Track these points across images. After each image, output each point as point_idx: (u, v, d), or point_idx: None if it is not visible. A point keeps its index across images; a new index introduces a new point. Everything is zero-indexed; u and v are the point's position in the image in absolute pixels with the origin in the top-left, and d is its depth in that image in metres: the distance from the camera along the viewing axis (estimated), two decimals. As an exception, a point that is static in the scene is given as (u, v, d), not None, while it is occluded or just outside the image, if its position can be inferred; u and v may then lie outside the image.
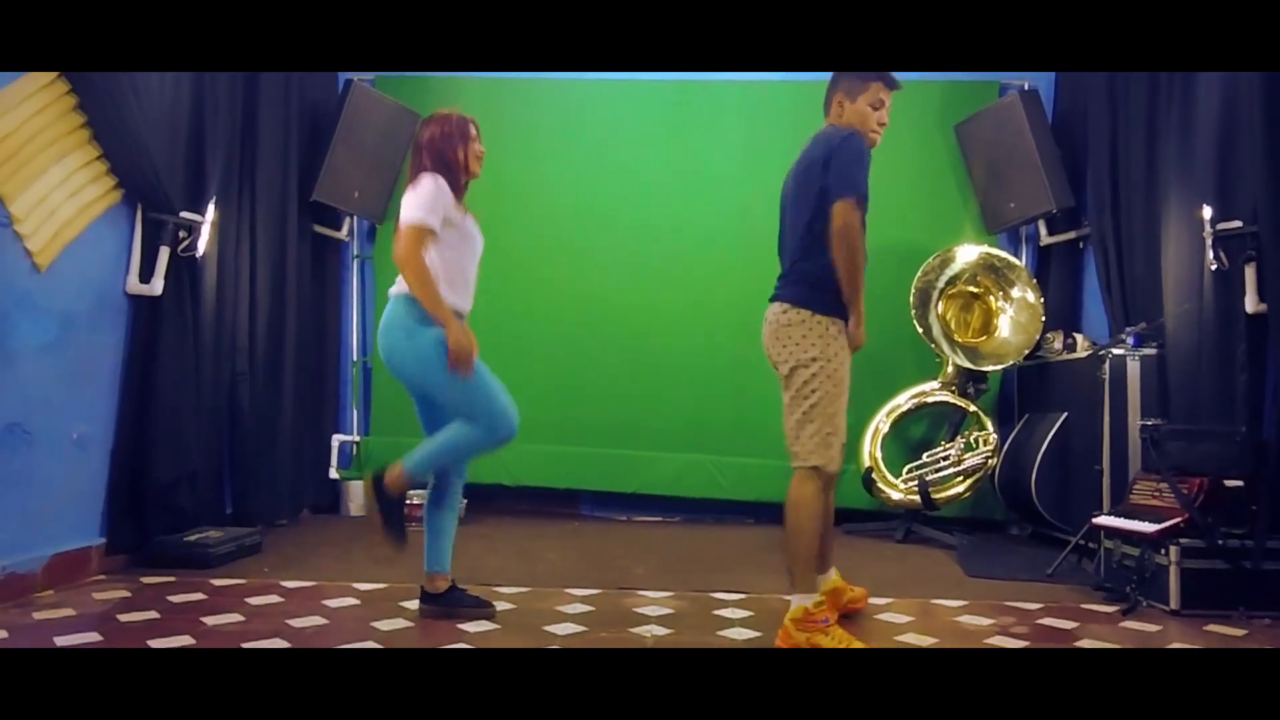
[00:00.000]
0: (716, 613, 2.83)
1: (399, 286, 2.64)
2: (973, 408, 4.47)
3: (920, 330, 4.41)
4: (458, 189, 2.69)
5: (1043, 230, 4.65)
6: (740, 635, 2.58)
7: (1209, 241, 3.28)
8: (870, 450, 4.49)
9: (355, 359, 5.06)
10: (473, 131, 2.73)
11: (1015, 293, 4.48)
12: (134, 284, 3.29)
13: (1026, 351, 4.39)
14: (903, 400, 4.56)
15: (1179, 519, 2.95)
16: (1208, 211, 3.29)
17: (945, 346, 4.41)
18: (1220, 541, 2.89)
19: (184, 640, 2.39)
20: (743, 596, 3.06)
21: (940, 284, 4.48)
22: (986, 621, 2.78)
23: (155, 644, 2.35)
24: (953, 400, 4.50)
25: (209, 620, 2.61)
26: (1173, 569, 2.89)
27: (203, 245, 3.53)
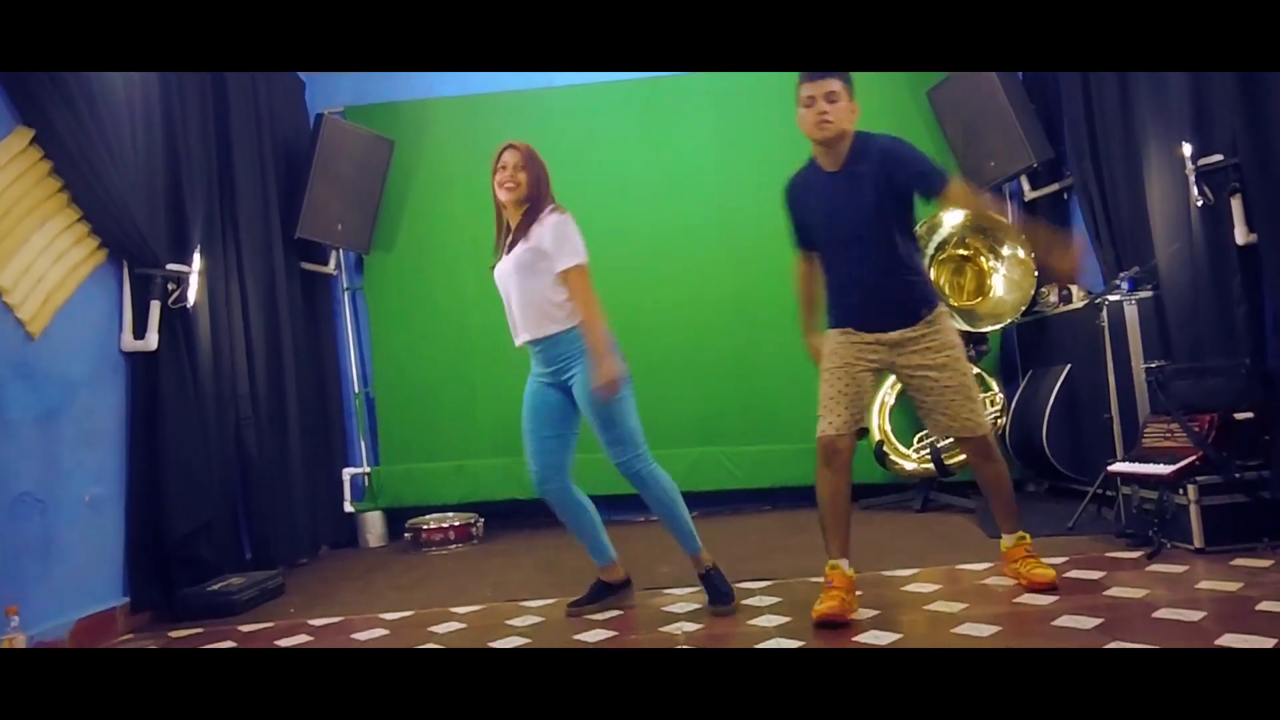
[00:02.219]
0: (745, 602, 2.83)
1: None
2: (976, 369, 4.47)
3: (915, 299, 4.40)
4: (500, 227, 2.86)
5: (1026, 185, 4.65)
6: (770, 622, 2.58)
7: (1192, 178, 3.27)
8: (879, 423, 4.50)
9: (357, 391, 5.06)
10: (499, 161, 2.78)
11: (1005, 251, 4.48)
12: (129, 341, 3.29)
13: (1023, 308, 4.39)
14: (906, 370, 4.56)
15: (1193, 458, 2.95)
16: (1187, 148, 3.29)
17: (942, 312, 4.41)
18: (1237, 475, 2.89)
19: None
20: (769, 583, 3.06)
21: (930, 250, 4.48)
22: (1013, 581, 2.78)
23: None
24: (955, 365, 4.50)
25: (236, 648, 2.61)
26: (1193, 508, 2.89)
27: (192, 295, 3.53)
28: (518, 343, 2.83)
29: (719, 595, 2.77)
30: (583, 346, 2.73)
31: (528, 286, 2.73)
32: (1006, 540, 2.81)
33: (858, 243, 2.61)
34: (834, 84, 2.55)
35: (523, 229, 2.76)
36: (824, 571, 2.62)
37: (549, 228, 2.72)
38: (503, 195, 2.77)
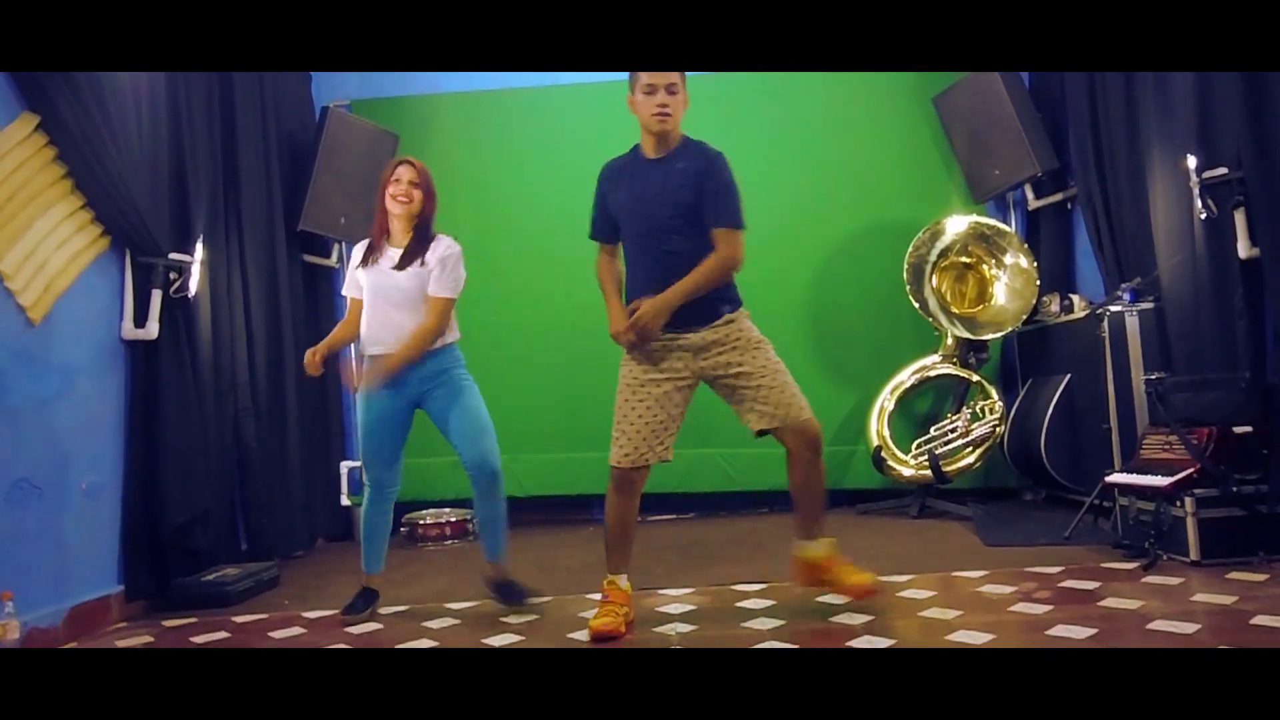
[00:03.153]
0: (739, 605, 2.83)
1: None
2: (976, 377, 4.47)
3: (916, 305, 4.41)
4: (377, 236, 2.95)
5: (1030, 194, 4.65)
6: (764, 625, 2.57)
7: (1196, 190, 3.28)
8: (878, 429, 4.49)
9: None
10: (394, 174, 2.92)
11: (1008, 259, 4.48)
12: (129, 329, 3.29)
13: (1024, 317, 4.39)
14: (905, 377, 4.56)
15: (1191, 470, 2.95)
16: (1192, 161, 3.29)
17: (943, 319, 4.41)
18: (1235, 489, 2.89)
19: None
20: (763, 586, 3.06)
21: (932, 257, 4.47)
22: (1009, 589, 2.78)
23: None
24: (955, 372, 4.50)
25: (228, 649, 2.61)
26: (1190, 520, 2.89)
27: (194, 285, 3.53)
28: (379, 351, 2.90)
29: (514, 595, 2.95)
30: (451, 360, 2.97)
31: (418, 302, 2.87)
32: (816, 548, 2.62)
33: (662, 234, 2.56)
34: (675, 76, 2.54)
35: (417, 246, 2.89)
36: (601, 587, 2.65)
37: (445, 254, 2.89)
38: (395, 208, 2.89)
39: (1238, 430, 3.00)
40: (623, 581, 2.66)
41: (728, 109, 4.95)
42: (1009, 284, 4.48)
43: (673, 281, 2.54)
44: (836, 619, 2.59)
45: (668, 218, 2.57)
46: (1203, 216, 3.28)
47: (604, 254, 2.78)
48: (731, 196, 2.58)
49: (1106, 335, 3.69)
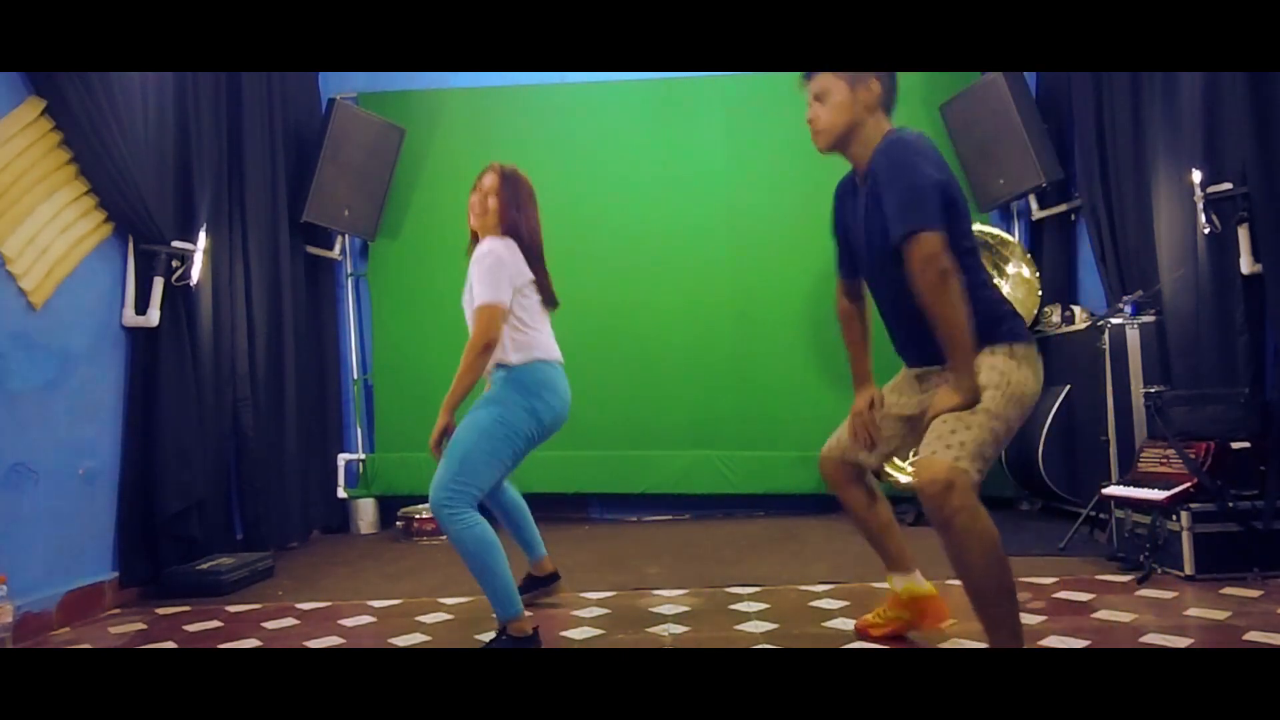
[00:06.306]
0: (733, 607, 2.83)
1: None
2: (975, 386, 4.46)
3: (918, 312, 4.40)
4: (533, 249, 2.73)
5: (1034, 205, 4.65)
6: (758, 628, 2.57)
7: (1200, 205, 3.28)
8: (875, 435, 4.48)
9: (356, 377, 5.06)
10: (476, 183, 2.81)
11: (1010, 269, 4.48)
12: (130, 316, 3.29)
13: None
14: (905, 383, 4.56)
15: (1188, 484, 2.95)
16: (1197, 175, 3.29)
17: (944, 327, 4.41)
18: (1231, 504, 2.89)
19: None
20: (758, 589, 3.06)
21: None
22: (1002, 599, 2.78)
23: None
24: (955, 380, 4.50)
25: (226, 647, 2.61)
26: (1185, 534, 2.89)
27: (196, 273, 3.53)
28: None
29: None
30: (494, 381, 2.60)
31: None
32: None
33: (875, 271, 2.21)
34: (819, 83, 2.15)
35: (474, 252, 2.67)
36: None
37: (475, 257, 2.59)
38: (471, 219, 2.76)
39: (1235, 446, 3.00)
40: (896, 581, 2.44)
41: (734, 112, 4.96)
42: (1011, 293, 4.47)
43: (890, 324, 2.23)
44: (829, 624, 2.59)
45: (870, 253, 2.17)
46: (1206, 231, 3.28)
47: (842, 295, 2.43)
48: (903, 186, 1.96)
49: (1107, 347, 3.69)
